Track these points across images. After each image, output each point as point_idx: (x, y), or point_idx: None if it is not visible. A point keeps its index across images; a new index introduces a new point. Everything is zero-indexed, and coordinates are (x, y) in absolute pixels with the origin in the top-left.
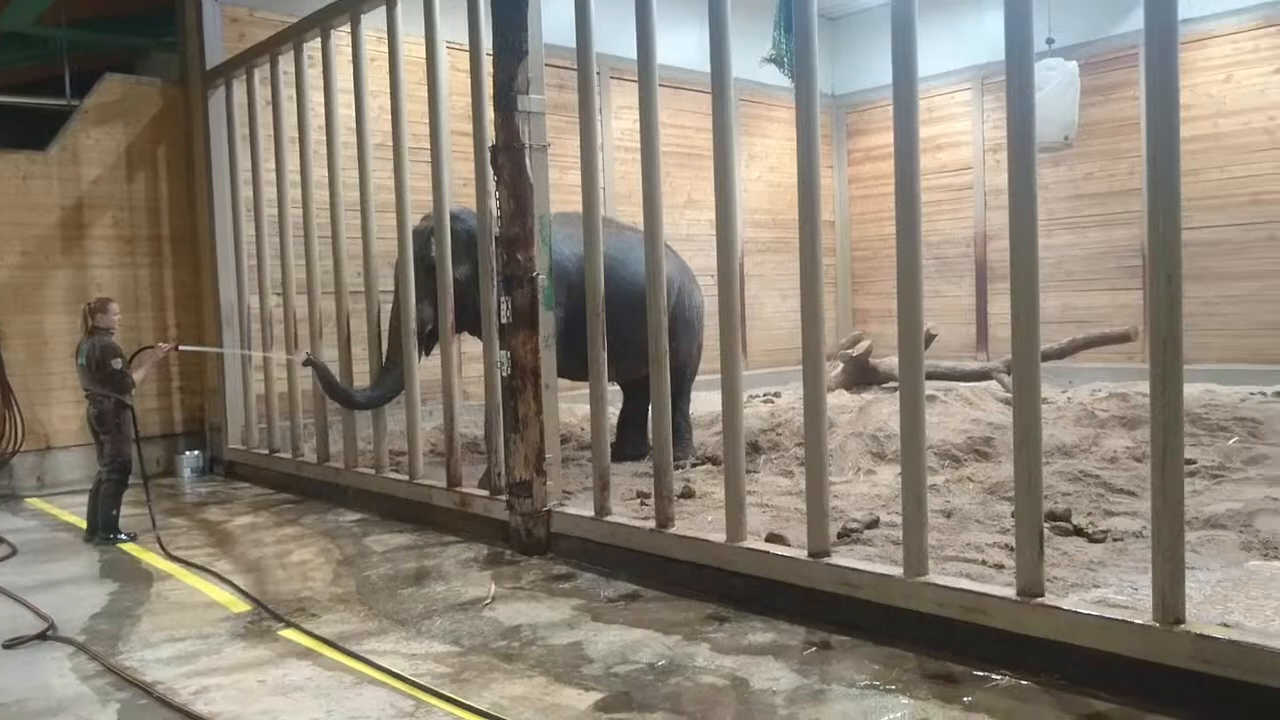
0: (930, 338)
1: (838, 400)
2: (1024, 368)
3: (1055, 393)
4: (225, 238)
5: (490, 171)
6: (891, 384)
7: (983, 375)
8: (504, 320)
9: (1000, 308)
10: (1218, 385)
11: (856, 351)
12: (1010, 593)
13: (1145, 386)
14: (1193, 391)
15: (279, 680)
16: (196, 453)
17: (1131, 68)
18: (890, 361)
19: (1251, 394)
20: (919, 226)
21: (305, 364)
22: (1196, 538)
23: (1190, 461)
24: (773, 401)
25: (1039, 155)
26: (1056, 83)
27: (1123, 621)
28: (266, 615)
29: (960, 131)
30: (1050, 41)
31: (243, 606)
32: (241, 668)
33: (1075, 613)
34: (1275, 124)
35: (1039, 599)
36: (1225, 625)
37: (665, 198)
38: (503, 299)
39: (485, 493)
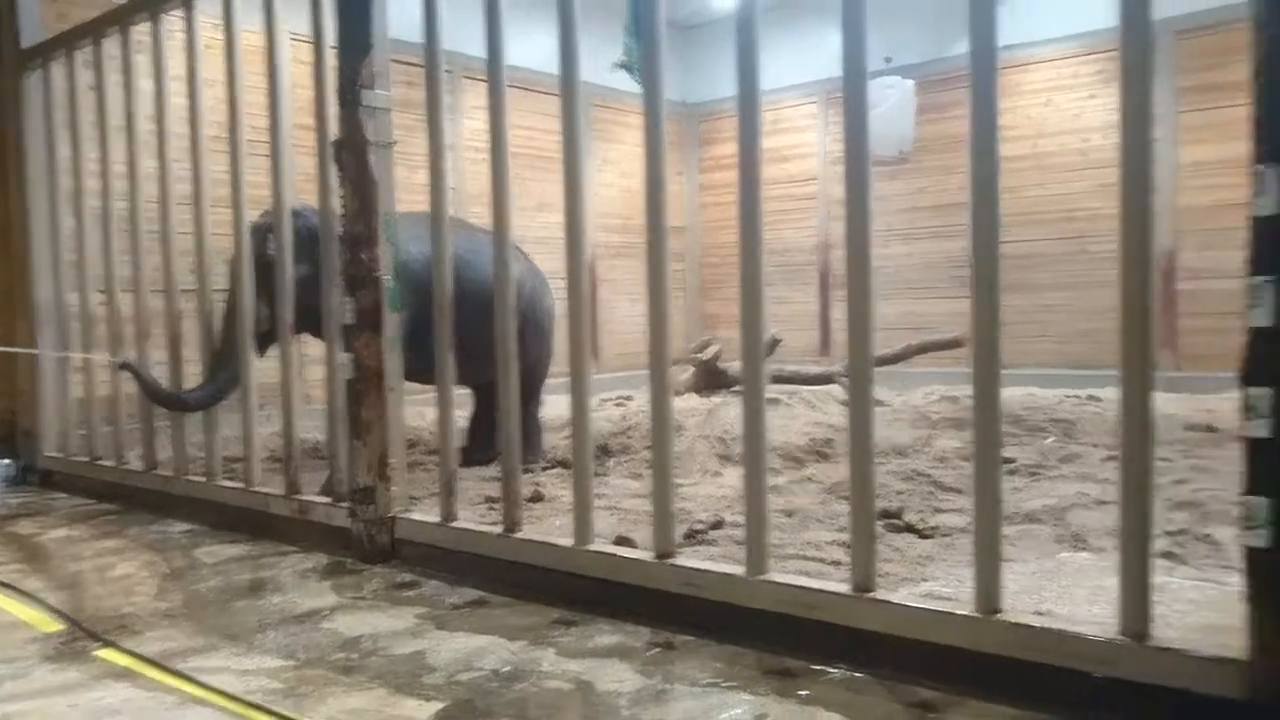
0: (775, 343)
1: (686, 404)
2: (858, 372)
3: (892, 395)
4: (41, 230)
5: (334, 167)
6: (740, 388)
7: (825, 379)
8: (347, 321)
9: (842, 314)
10: (1039, 389)
11: (706, 356)
12: (845, 589)
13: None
14: (1015, 394)
15: (93, 704)
16: (7, 461)
17: (964, 88)
18: (739, 365)
19: (1068, 396)
20: (760, 234)
21: (122, 368)
22: (1015, 531)
23: (1010, 460)
24: (624, 405)
25: (877, 169)
26: (894, 100)
27: (947, 613)
28: (82, 634)
29: (806, 143)
30: (888, 60)
31: (55, 626)
32: (51, 692)
33: (905, 606)
34: (1089, 146)
35: (871, 594)
36: (1039, 613)
37: (516, 200)
38: (346, 299)
39: (326, 500)
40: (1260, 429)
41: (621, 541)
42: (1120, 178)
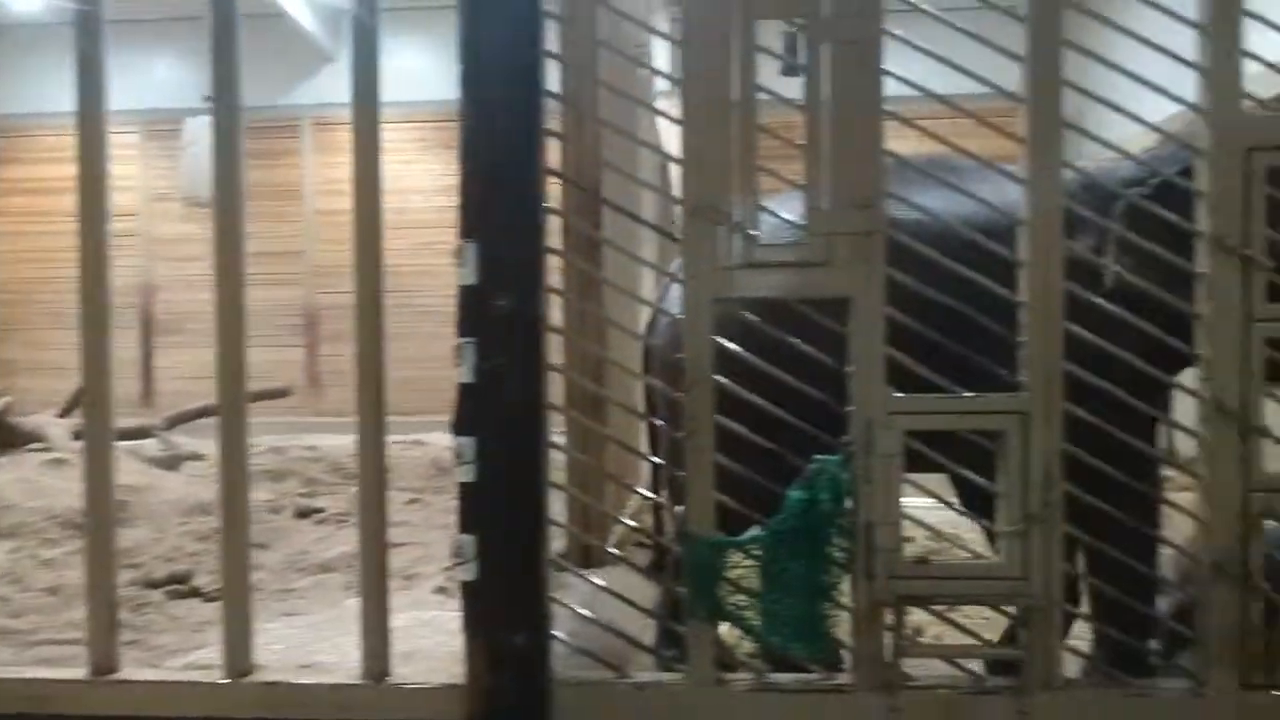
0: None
1: None
2: (93, 435)
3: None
4: None
5: None
6: (38, 445)
7: (141, 433)
8: None
9: (169, 361)
10: None
11: None
12: (83, 674)
13: (309, 439)
14: (342, 442)
15: None
16: None
17: (295, 137)
18: (38, 420)
19: (394, 442)
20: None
21: None
22: (309, 583)
23: (320, 510)
24: None
25: (202, 210)
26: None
27: (194, 683)
28: None
29: (124, 176)
30: (208, 99)
31: None
32: None
33: (149, 683)
34: (406, 206)
35: (113, 675)
36: (305, 666)
37: None
38: None
39: None
40: (469, 474)
41: None
42: (354, 240)
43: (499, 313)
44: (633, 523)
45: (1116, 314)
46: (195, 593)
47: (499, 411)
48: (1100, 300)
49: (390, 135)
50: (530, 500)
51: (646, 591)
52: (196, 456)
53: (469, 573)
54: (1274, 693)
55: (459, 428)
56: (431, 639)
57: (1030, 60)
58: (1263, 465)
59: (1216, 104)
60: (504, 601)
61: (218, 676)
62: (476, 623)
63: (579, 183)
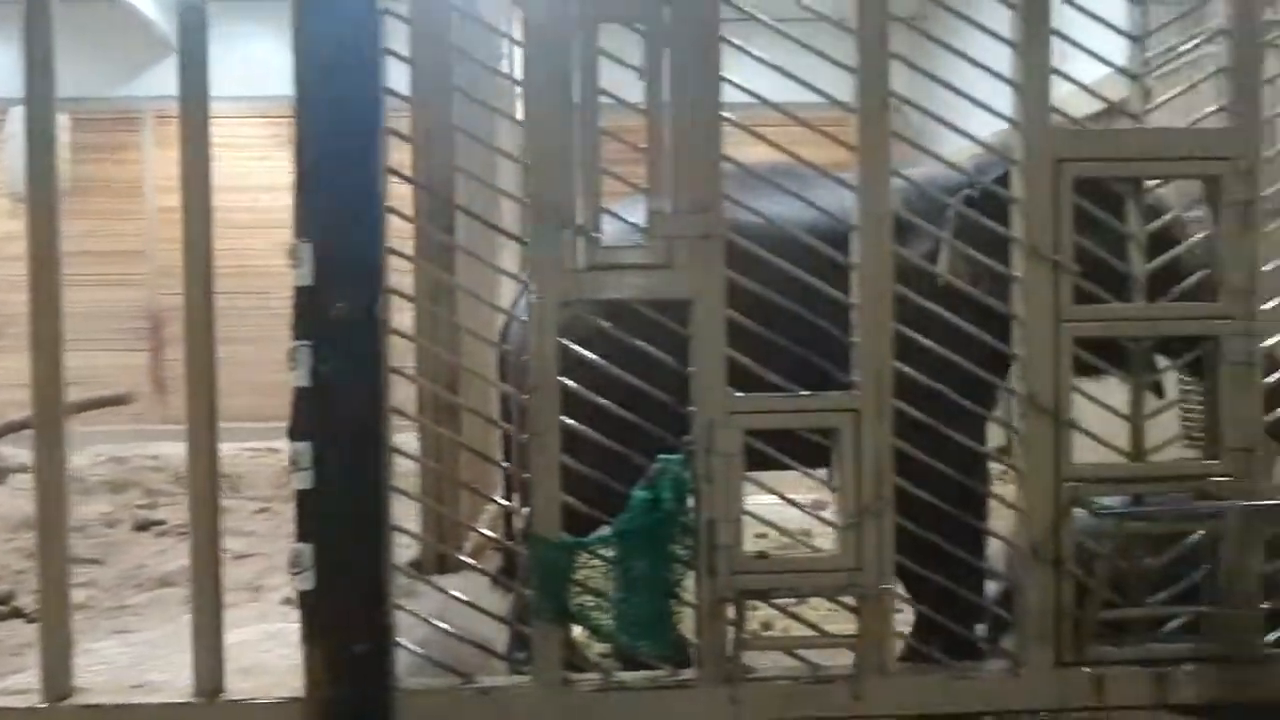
0: None
1: None
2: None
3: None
4: None
5: None
6: None
7: None
8: None
9: None
10: (225, 443)
11: None
12: None
13: (153, 448)
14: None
15: None
16: None
17: (135, 131)
18: None
19: (248, 450)
20: None
21: None
22: (146, 599)
23: (160, 522)
24: None
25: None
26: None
27: (7, 709)
28: None
29: None
30: None
31: None
32: None
33: None
34: (259, 204)
35: None
36: (137, 686)
37: None
38: None
39: None
40: (305, 481)
41: None
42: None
43: (336, 315)
44: (486, 529)
45: (950, 317)
46: (17, 613)
47: (337, 416)
48: (932, 304)
49: (243, 130)
50: (371, 507)
51: (500, 597)
52: (25, 469)
53: (306, 582)
54: (1085, 669)
55: (294, 433)
56: (276, 652)
57: (860, 72)
58: (1073, 457)
59: (1028, 118)
60: (344, 611)
61: (35, 700)
62: (315, 633)
63: (430, 187)
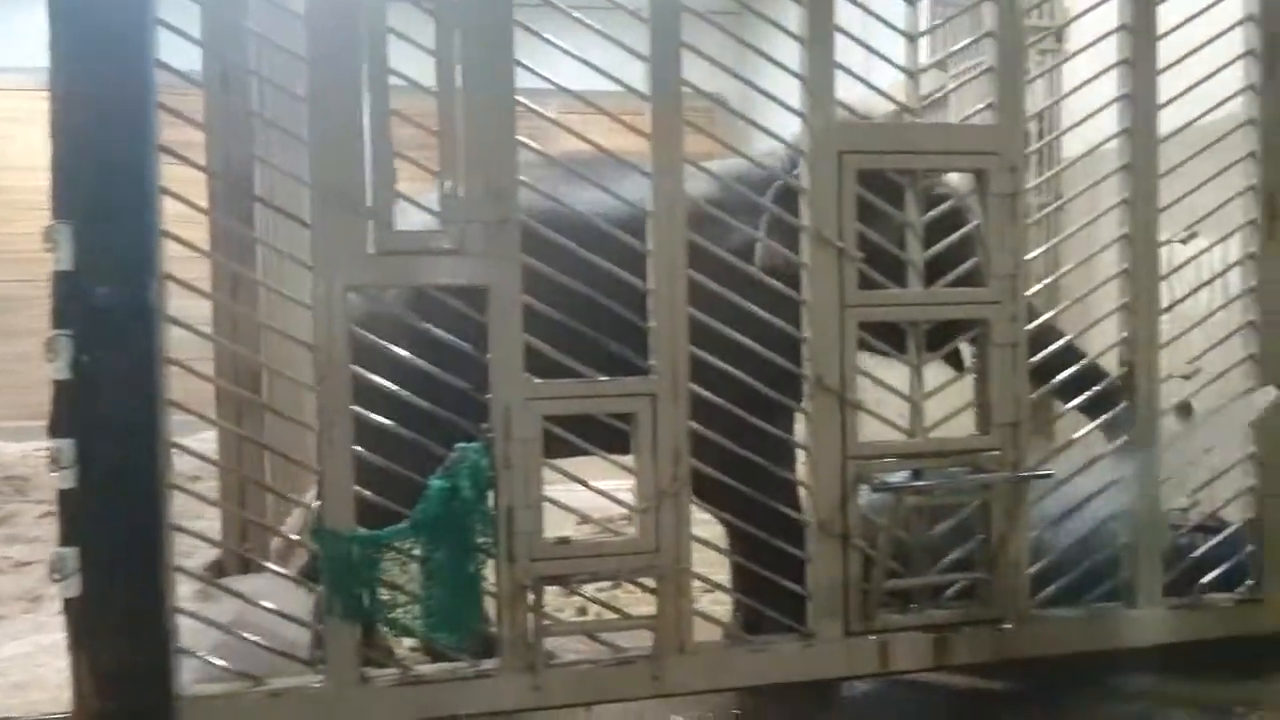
0: None
1: None
2: None
3: None
4: None
5: None
6: None
7: None
8: None
9: None
10: (10, 443)
11: None
12: None
13: None
14: None
15: None
16: None
17: None
18: None
19: (36, 450)
20: None
21: None
22: None
23: None
24: None
25: None
26: None
27: None
28: None
29: None
30: None
31: None
32: None
33: None
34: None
35: None
36: None
37: None
38: None
39: None
40: (68, 480)
41: None
42: None
43: (99, 302)
44: (285, 529)
45: (759, 311)
46: None
47: (101, 411)
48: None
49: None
50: (143, 507)
51: (305, 596)
52: None
53: (71, 589)
54: (872, 637)
55: (55, 429)
56: (52, 665)
57: (652, 60)
58: (858, 436)
59: (813, 111)
60: (114, 617)
61: None
62: (82, 643)
63: (219, 174)
